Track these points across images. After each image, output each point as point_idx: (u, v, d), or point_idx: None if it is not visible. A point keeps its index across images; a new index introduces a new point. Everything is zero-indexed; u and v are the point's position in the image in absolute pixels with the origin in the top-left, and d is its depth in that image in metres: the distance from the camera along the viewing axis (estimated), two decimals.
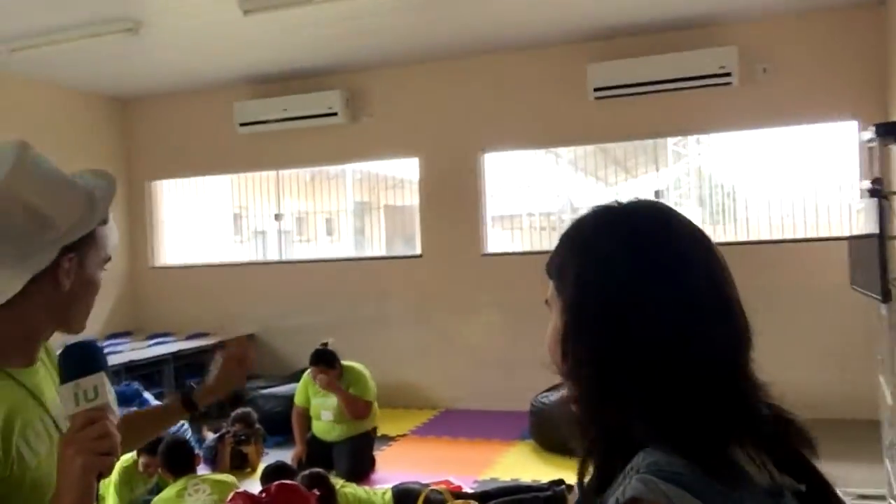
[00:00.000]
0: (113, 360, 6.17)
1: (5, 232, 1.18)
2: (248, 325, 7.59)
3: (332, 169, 7.98)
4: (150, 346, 6.90)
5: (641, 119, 6.28)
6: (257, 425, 5.40)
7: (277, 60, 6.83)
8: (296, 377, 6.80)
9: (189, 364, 6.89)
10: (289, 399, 6.17)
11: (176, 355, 6.65)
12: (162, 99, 7.86)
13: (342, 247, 9.11)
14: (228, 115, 7.40)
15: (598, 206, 0.91)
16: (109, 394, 1.17)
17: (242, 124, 7.34)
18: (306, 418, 5.27)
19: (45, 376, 1.33)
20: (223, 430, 5.30)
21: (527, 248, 7.09)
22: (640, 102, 6.19)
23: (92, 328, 7.68)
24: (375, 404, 5.28)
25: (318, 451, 5.10)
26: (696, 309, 0.81)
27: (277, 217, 7.78)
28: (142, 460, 4.26)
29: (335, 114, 7.05)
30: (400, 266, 7.22)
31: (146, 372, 6.40)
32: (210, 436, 5.55)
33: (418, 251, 7.09)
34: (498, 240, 7.24)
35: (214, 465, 5.21)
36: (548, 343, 0.90)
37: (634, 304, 0.81)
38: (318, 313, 7.37)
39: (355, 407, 5.05)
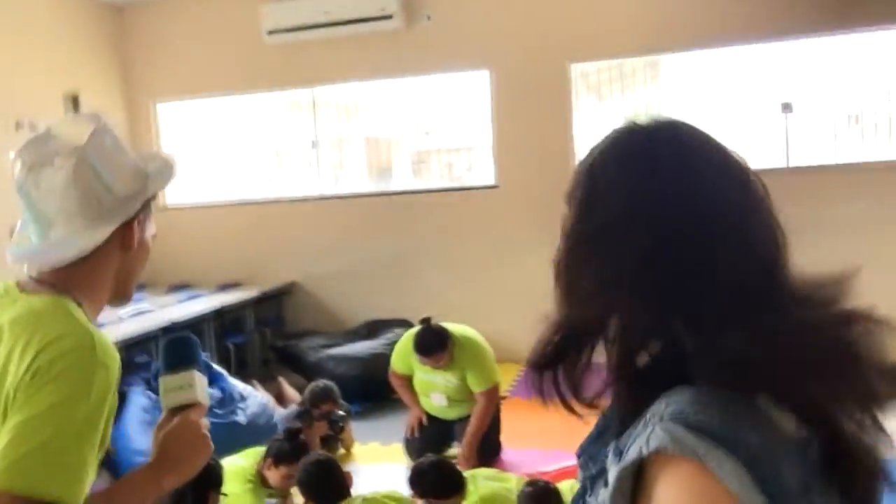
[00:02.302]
0: (149, 322, 5.08)
1: (85, 192, 1.26)
2: (284, 273, 6.52)
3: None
4: (182, 302, 5.79)
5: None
6: (341, 400, 4.39)
7: None
8: (361, 334, 5.85)
9: (228, 321, 5.83)
10: (364, 362, 5.23)
11: (218, 312, 5.56)
12: (167, 4, 6.51)
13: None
14: (252, 22, 6.13)
15: (615, 131, 0.86)
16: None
17: (271, 32, 6.09)
18: (409, 383, 4.29)
19: None
20: (301, 408, 4.29)
21: None
22: None
23: None
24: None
25: (434, 427, 4.16)
26: (710, 237, 0.75)
27: (314, 145, 6.60)
28: (275, 473, 3.32)
29: (389, 16, 5.85)
30: (470, 199, 6.16)
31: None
32: (280, 411, 4.55)
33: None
34: None
35: None
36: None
37: (646, 231, 0.77)
38: (369, 256, 6.32)
39: (488, 415, 4.09)
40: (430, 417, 4.19)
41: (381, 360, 5.22)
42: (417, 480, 3.11)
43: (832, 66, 5.27)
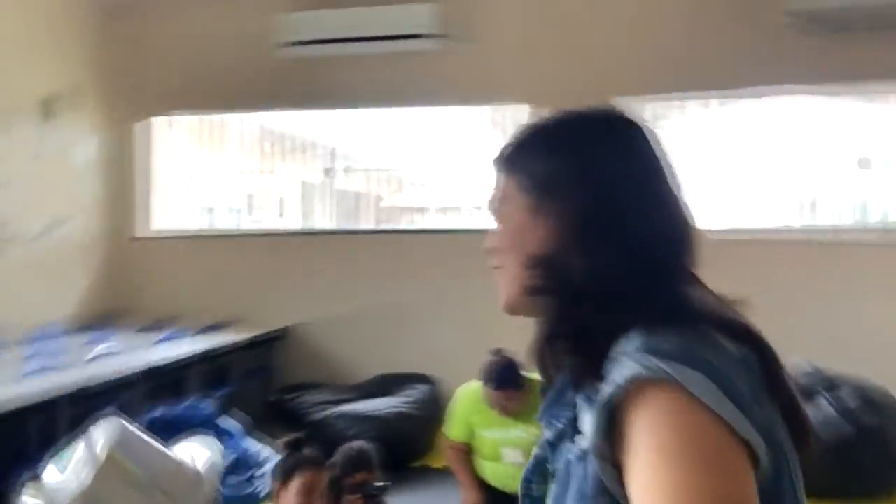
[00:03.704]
0: (120, 365, 4.20)
1: None
2: (277, 317, 5.67)
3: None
4: (158, 343, 4.89)
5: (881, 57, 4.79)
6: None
7: None
8: (371, 390, 5.02)
9: (213, 367, 4.94)
10: (383, 423, 4.41)
11: (206, 356, 4.69)
12: (165, 8, 5.81)
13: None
14: (264, 32, 5.46)
15: (566, 110, 0.95)
16: None
17: (288, 44, 5.42)
18: (468, 456, 3.48)
19: None
20: (329, 476, 3.45)
21: None
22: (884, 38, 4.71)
23: (61, 312, 5.63)
24: None
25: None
26: (670, 212, 0.87)
27: (327, 172, 5.87)
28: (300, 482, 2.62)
29: (423, 35, 5.25)
30: None
31: (162, 382, 4.44)
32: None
33: None
34: None
35: None
36: (497, 247, 0.92)
37: (631, 207, 0.85)
38: (378, 301, 5.54)
39: None
40: (493, 494, 3.38)
41: (403, 421, 4.48)
42: None
43: None
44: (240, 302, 5.72)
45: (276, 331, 5.57)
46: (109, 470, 1.19)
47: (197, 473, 1.28)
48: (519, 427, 3.30)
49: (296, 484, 2.64)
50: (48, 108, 5.37)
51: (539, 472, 0.93)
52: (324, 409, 4.60)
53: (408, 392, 4.73)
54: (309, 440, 3.06)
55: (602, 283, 0.82)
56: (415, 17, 5.24)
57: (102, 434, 1.22)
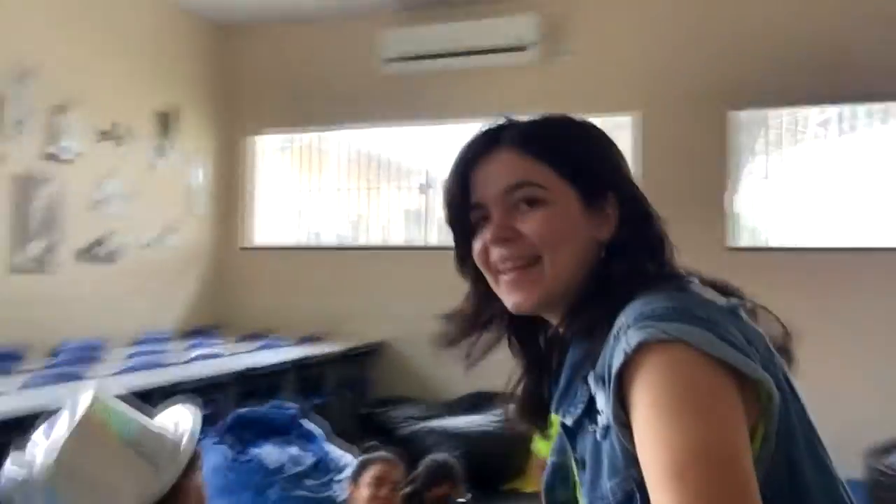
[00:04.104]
0: (219, 367, 4.27)
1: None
2: (372, 330, 5.66)
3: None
4: (257, 349, 4.97)
5: None
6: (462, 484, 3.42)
7: None
8: (463, 406, 4.91)
9: (307, 377, 4.96)
10: (471, 440, 4.28)
11: (299, 364, 4.72)
12: (276, 26, 6.01)
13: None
14: (367, 49, 5.54)
15: (554, 114, 1.03)
16: None
17: (390, 60, 5.48)
18: None
19: None
20: (410, 488, 3.35)
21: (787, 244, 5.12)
22: None
23: (167, 320, 5.86)
24: None
25: None
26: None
27: (423, 189, 5.85)
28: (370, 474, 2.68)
29: (525, 48, 5.17)
30: None
31: (256, 386, 4.48)
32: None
33: None
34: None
35: None
36: (551, 232, 0.88)
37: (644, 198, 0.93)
38: None
39: None
40: None
41: (493, 440, 4.31)
42: None
43: None
44: (337, 315, 5.75)
45: (370, 344, 5.56)
46: (85, 431, 1.20)
47: (176, 443, 1.29)
48: None
49: (366, 477, 2.69)
50: (165, 117, 5.63)
51: (560, 478, 0.95)
52: (414, 424, 4.51)
53: (499, 409, 4.58)
54: (385, 447, 3.06)
55: (638, 264, 0.87)
56: (517, 29, 5.17)
57: (83, 398, 1.25)
